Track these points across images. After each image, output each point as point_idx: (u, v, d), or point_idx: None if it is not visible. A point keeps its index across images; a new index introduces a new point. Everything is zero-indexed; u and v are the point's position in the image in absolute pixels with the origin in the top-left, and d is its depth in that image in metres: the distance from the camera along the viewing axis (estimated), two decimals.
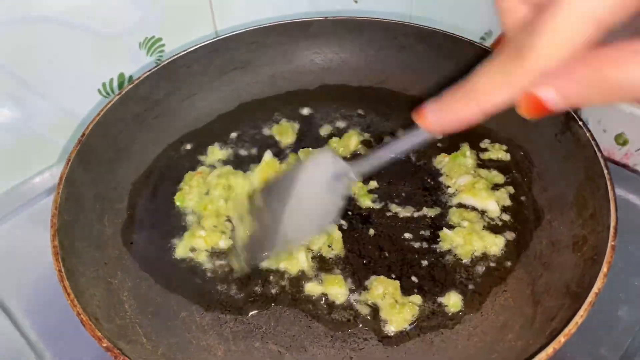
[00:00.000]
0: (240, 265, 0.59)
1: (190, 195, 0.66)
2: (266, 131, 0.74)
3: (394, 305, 0.55)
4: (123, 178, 0.66)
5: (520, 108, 0.36)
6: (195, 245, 0.61)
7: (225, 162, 0.70)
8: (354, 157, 0.70)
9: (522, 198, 0.65)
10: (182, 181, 0.67)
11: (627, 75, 0.31)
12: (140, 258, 0.60)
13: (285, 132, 0.73)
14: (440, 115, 0.40)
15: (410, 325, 0.55)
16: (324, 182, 0.54)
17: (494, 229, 0.62)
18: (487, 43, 1.00)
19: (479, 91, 0.36)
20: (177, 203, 0.66)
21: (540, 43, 0.32)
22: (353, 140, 0.71)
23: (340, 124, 0.75)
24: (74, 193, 0.59)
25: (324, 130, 0.74)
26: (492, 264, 0.59)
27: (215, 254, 0.61)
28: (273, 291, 0.58)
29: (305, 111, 0.76)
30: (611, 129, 0.75)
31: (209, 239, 0.62)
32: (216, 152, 0.71)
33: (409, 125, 0.77)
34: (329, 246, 0.61)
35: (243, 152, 0.72)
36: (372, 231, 0.62)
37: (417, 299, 0.57)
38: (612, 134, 0.75)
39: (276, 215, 0.55)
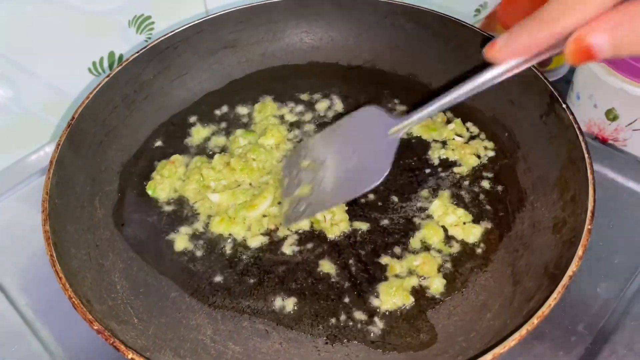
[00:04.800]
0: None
1: (161, 185, 0.65)
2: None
3: (390, 287, 0.57)
4: (113, 160, 0.67)
5: (568, 52, 0.39)
6: (187, 231, 0.62)
7: (209, 141, 0.71)
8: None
9: (507, 179, 0.65)
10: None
11: None
12: (131, 239, 0.61)
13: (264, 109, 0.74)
14: (512, 40, 0.42)
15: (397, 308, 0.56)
16: (368, 138, 0.50)
17: (477, 210, 0.63)
18: (483, 15, 0.99)
19: (550, 15, 0.39)
20: (149, 192, 0.65)
21: None
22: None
23: (328, 103, 0.75)
24: (64, 177, 0.59)
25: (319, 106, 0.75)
26: (474, 245, 0.60)
27: (205, 237, 0.62)
28: (261, 273, 0.59)
29: (293, 90, 0.76)
30: (602, 105, 0.75)
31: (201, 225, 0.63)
32: (201, 132, 0.71)
33: (397, 106, 0.76)
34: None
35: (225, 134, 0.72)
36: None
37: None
38: (603, 109, 0.75)
39: (316, 173, 0.52)
